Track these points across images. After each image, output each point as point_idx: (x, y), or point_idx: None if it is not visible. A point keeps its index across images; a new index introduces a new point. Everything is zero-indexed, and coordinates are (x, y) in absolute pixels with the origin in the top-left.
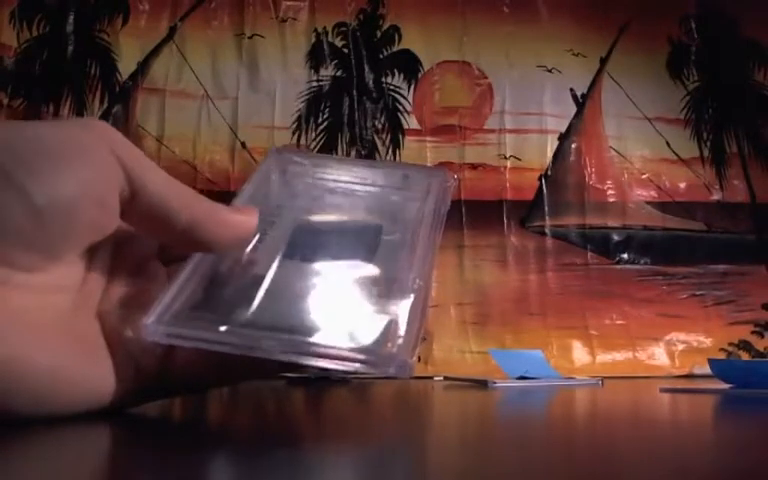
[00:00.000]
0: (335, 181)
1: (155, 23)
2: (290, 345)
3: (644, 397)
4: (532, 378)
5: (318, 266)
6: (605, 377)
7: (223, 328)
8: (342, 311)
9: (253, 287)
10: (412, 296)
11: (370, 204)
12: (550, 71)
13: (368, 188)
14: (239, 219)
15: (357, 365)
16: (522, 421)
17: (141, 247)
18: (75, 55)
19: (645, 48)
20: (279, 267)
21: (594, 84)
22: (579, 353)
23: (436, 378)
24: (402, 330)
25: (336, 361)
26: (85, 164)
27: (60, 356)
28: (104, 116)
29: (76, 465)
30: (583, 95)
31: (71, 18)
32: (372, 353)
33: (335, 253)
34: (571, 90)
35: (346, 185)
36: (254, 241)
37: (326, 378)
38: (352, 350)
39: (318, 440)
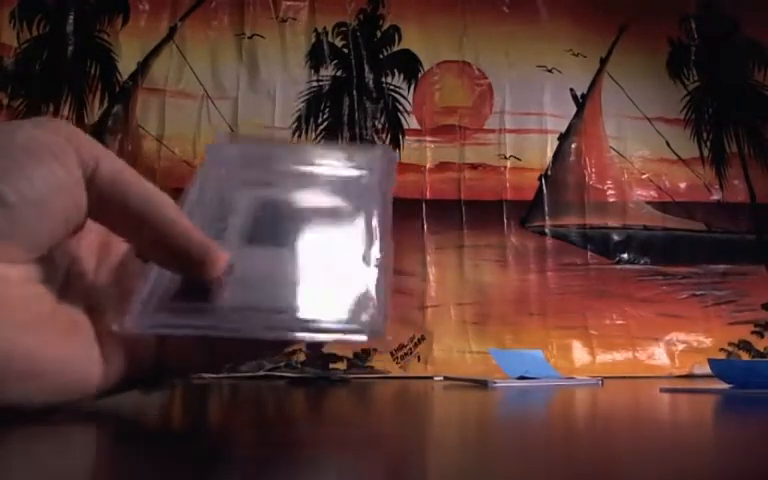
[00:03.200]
0: (281, 165)
1: (155, 23)
2: (271, 322)
3: (644, 397)
4: (532, 378)
5: (282, 248)
6: (605, 377)
7: (204, 313)
8: (313, 288)
9: (226, 274)
10: (376, 270)
11: (320, 184)
12: (550, 71)
13: (314, 169)
14: (203, 238)
15: (337, 336)
16: (522, 421)
17: (121, 247)
18: (75, 55)
19: (645, 48)
20: (246, 253)
21: (594, 84)
22: (579, 353)
23: (436, 378)
24: (372, 301)
25: (317, 334)
26: (51, 160)
27: (47, 341)
28: (104, 116)
29: (78, 464)
30: (583, 95)
31: (71, 18)
32: (349, 323)
33: (296, 234)
34: (571, 90)
35: (294, 168)
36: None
37: (326, 378)
38: (330, 322)
39: (318, 440)
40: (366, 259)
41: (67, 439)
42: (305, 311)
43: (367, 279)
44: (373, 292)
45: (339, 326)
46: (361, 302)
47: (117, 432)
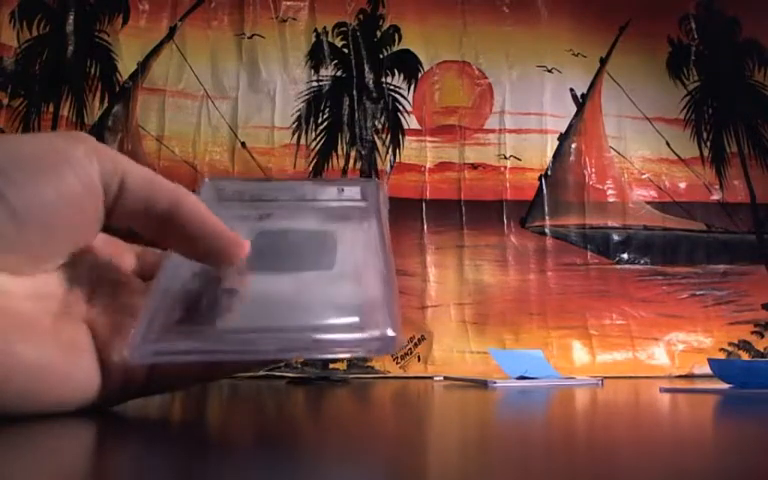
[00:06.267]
0: (277, 200)
1: (155, 23)
2: (281, 343)
3: (644, 397)
4: (532, 378)
5: (285, 274)
6: (605, 377)
7: (210, 336)
8: (321, 306)
9: (230, 298)
10: (383, 285)
11: (317, 214)
12: (550, 71)
13: (308, 203)
14: (225, 228)
15: (351, 351)
16: (522, 421)
17: (120, 264)
18: (75, 55)
19: (645, 48)
20: (248, 280)
21: (594, 84)
22: (579, 353)
23: (436, 378)
24: (383, 314)
25: (331, 352)
26: (64, 173)
27: (47, 354)
28: (104, 116)
29: (77, 464)
30: (583, 95)
31: (71, 18)
32: (363, 337)
33: (298, 260)
34: (571, 90)
35: (289, 202)
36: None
37: (326, 378)
38: (342, 338)
39: (318, 440)
40: (373, 277)
41: (66, 439)
42: (315, 329)
43: (376, 293)
44: (383, 305)
45: (352, 341)
46: (372, 316)
47: (117, 432)
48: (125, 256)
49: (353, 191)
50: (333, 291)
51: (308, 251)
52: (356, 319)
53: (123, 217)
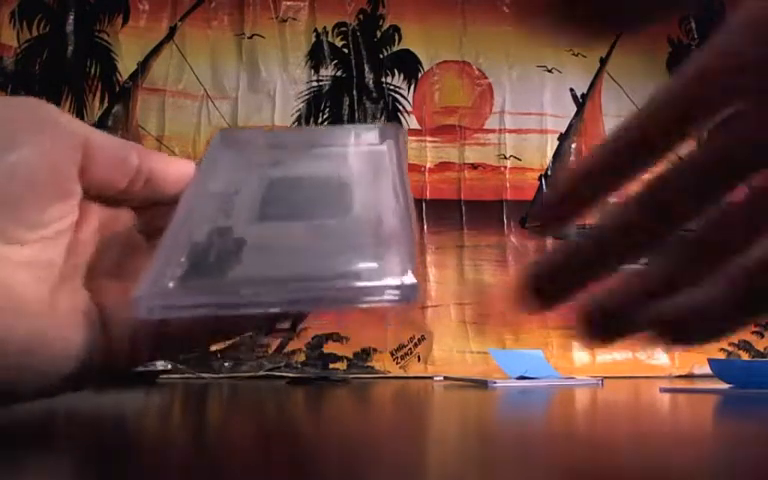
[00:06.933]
0: (291, 146)
1: (155, 23)
2: (293, 293)
3: (644, 397)
4: (532, 378)
5: (297, 222)
6: (605, 377)
7: (219, 289)
8: (336, 254)
9: (237, 249)
10: (402, 231)
11: (333, 159)
12: (550, 71)
13: (323, 148)
14: (177, 159)
15: (370, 301)
16: (522, 421)
17: (123, 223)
18: (75, 55)
19: (645, 48)
20: (258, 228)
21: (594, 84)
22: (579, 353)
23: (436, 378)
24: (403, 263)
25: (354, 299)
26: (41, 132)
27: (42, 329)
28: (104, 116)
29: (79, 464)
30: (583, 95)
31: (71, 18)
32: (381, 286)
33: (312, 206)
34: (571, 90)
35: (303, 148)
36: (224, 209)
37: (326, 378)
38: (359, 286)
39: (318, 440)
40: (392, 223)
41: (66, 438)
42: (331, 277)
43: (394, 240)
44: (403, 252)
45: (369, 289)
46: (391, 264)
47: (117, 431)
48: (124, 214)
49: (371, 135)
50: (349, 238)
51: (323, 198)
52: (374, 265)
53: (97, 174)
